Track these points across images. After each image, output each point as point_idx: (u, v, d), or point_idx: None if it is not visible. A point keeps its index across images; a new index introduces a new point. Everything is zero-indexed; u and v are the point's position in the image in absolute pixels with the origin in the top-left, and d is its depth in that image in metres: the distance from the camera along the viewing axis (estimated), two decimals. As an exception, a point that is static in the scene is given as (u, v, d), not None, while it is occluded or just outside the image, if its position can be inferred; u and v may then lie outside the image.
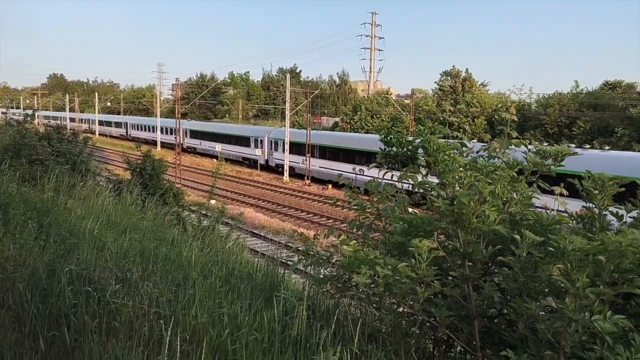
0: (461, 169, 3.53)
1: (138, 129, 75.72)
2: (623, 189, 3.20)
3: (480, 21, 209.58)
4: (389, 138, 4.22)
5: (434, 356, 3.73)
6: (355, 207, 4.27)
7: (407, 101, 62.66)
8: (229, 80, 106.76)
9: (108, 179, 13.63)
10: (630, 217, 3.20)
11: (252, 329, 3.60)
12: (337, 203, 5.25)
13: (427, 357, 3.70)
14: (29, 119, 14.47)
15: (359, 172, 32.56)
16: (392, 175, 4.29)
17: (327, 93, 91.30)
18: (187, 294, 4.20)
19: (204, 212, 11.70)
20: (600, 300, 2.59)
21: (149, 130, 71.14)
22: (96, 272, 4.70)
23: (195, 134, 60.28)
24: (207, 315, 3.81)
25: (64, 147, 13.18)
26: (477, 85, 56.44)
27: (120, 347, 3.51)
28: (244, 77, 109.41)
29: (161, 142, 66.02)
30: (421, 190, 3.83)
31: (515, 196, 3.50)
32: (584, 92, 48.16)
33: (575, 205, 3.52)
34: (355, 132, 53.46)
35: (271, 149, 46.57)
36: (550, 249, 2.77)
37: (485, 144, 3.98)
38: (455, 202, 3.26)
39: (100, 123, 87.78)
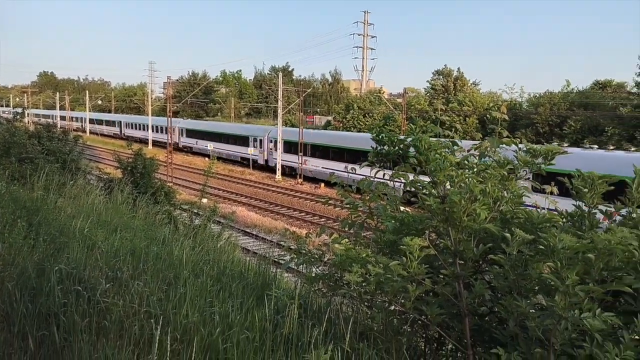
0: (452, 167, 3.54)
1: (132, 128, 74.79)
2: (612, 187, 3.22)
3: (472, 21, 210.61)
4: (380, 137, 4.23)
5: (426, 354, 3.74)
6: (348, 205, 4.27)
7: (399, 100, 62.79)
8: (221, 78, 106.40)
9: (99, 178, 13.56)
10: (619, 215, 3.22)
11: (244, 328, 3.60)
12: (330, 202, 5.24)
13: (418, 355, 3.72)
14: (18, 117, 14.36)
15: (351, 171, 32.53)
16: (384, 174, 4.29)
17: (319, 92, 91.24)
18: (178, 293, 4.19)
19: (195, 211, 11.67)
20: (589, 298, 2.61)
21: (144, 129, 70.04)
22: (86, 271, 4.67)
23: (191, 133, 59.16)
24: (198, 314, 3.80)
25: (54, 145, 13.10)
26: (469, 85, 56.69)
27: (110, 347, 3.49)
28: (236, 75, 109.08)
29: (155, 141, 65.43)
30: (412, 189, 3.84)
31: (506, 195, 3.52)
32: (575, 91, 48.52)
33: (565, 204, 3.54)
34: (348, 130, 53.43)
35: (271, 149, 45.23)
36: (541, 247, 2.78)
37: (477, 143, 3.99)
38: (446, 201, 3.27)
39: (93, 122, 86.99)
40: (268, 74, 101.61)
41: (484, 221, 3.22)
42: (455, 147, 3.91)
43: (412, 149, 3.98)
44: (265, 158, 45.92)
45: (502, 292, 3.14)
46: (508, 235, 2.94)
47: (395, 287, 3.16)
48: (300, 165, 40.44)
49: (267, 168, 45.57)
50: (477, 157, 3.89)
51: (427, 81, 60.15)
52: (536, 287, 2.94)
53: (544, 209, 3.43)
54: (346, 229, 4.29)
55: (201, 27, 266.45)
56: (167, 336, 3.34)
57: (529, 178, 3.73)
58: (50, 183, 9.17)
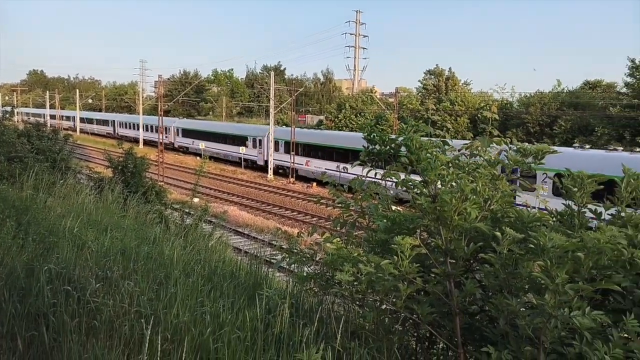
0: (443, 167, 3.55)
1: (127, 127, 73.58)
2: (602, 186, 3.24)
3: (464, 20, 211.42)
4: (372, 136, 4.23)
5: (417, 353, 3.75)
6: (339, 204, 4.27)
7: (391, 99, 62.94)
8: (212, 77, 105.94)
9: (89, 177, 13.45)
10: (608, 214, 3.24)
11: (235, 328, 3.59)
12: (322, 201, 5.24)
13: (409, 354, 3.72)
14: (7, 115, 14.23)
15: (343, 171, 32.48)
16: (376, 173, 4.30)
17: (311, 91, 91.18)
18: (169, 292, 4.17)
19: (187, 211, 11.63)
20: (579, 297, 2.63)
21: (139, 129, 69.10)
22: (76, 271, 4.64)
23: (187, 133, 57.79)
24: (189, 314, 3.79)
25: (43, 144, 13.00)
26: (460, 84, 56.93)
27: (100, 347, 3.47)
28: (227, 74, 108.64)
29: (149, 140, 64.73)
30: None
31: (496, 194, 3.53)
32: (565, 91, 48.86)
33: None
34: (340, 130, 53.34)
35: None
36: (531, 245, 2.80)
37: (468, 142, 4.01)
38: (437, 200, 3.28)
39: (85, 121, 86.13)
40: (260, 73, 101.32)
41: (474, 220, 3.23)
42: (446, 147, 3.92)
43: (403, 149, 3.99)
44: (265, 159, 44.19)
45: (492, 290, 3.15)
46: (498, 234, 2.95)
47: (386, 286, 3.16)
48: (291, 164, 40.36)
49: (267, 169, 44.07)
50: (468, 157, 3.90)
51: (419, 81, 60.37)
52: (526, 286, 2.95)
53: (534, 207, 3.44)
54: (338, 228, 4.29)
55: (193, 26, 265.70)
56: (157, 336, 3.32)
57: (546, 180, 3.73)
58: (40, 182, 9.09)
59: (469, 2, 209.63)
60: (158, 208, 11.45)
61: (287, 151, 41.40)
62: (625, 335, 2.55)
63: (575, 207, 3.30)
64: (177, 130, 59.49)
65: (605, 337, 2.55)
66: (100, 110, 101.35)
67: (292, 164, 40.38)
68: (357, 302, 3.88)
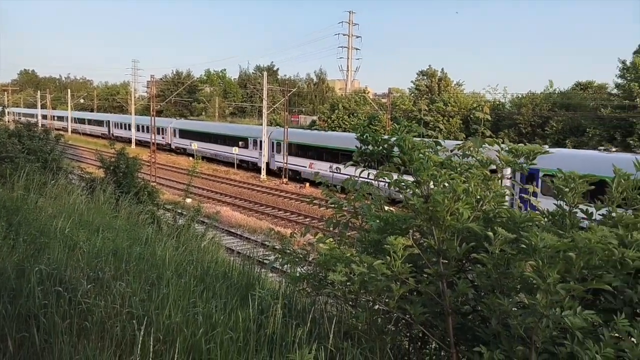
0: (435, 167, 3.56)
1: (122, 128, 72.35)
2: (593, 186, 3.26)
3: (457, 21, 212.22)
4: (364, 136, 4.23)
5: (410, 353, 3.76)
6: (332, 205, 4.27)
7: (384, 100, 63.07)
8: (205, 77, 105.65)
9: (81, 177, 13.37)
10: (599, 214, 3.26)
11: (227, 328, 3.58)
12: (314, 201, 5.24)
13: (402, 354, 3.73)
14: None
15: (335, 171, 32.42)
16: (369, 174, 4.30)
17: (304, 91, 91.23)
18: (161, 293, 4.15)
19: (179, 211, 11.59)
20: (570, 296, 2.64)
21: (137, 130, 67.48)
22: (67, 271, 4.61)
23: (185, 134, 56.39)
24: (181, 315, 3.77)
25: (35, 144, 12.91)
26: (452, 85, 57.13)
27: (91, 348, 3.44)
28: (220, 74, 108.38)
29: (142, 140, 63.93)
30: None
31: (488, 194, 3.54)
32: (557, 92, 49.17)
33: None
34: (333, 130, 53.28)
35: (272, 151, 42.94)
36: (523, 245, 2.81)
37: (460, 143, 4.02)
38: (429, 200, 3.29)
39: (79, 121, 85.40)
40: (253, 73, 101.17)
41: (467, 220, 3.24)
42: (439, 147, 3.93)
43: (396, 149, 4.00)
44: (267, 161, 43.22)
45: (484, 290, 3.17)
46: (491, 234, 2.96)
47: (379, 287, 3.17)
48: (285, 164, 40.30)
49: (269, 172, 42.70)
50: (460, 157, 3.92)
51: (412, 81, 60.53)
52: (518, 286, 2.97)
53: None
54: (331, 228, 4.29)
55: (185, 26, 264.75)
56: (149, 337, 3.30)
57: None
58: (31, 183, 9.02)
59: (465, 2, 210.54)
60: (150, 208, 11.39)
61: (291, 153, 40.52)
62: (616, 334, 2.57)
63: (566, 207, 3.32)
64: (174, 131, 58.50)
65: (597, 337, 2.57)
66: (92, 111, 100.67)
67: (285, 164, 40.32)
68: (350, 303, 3.89)
